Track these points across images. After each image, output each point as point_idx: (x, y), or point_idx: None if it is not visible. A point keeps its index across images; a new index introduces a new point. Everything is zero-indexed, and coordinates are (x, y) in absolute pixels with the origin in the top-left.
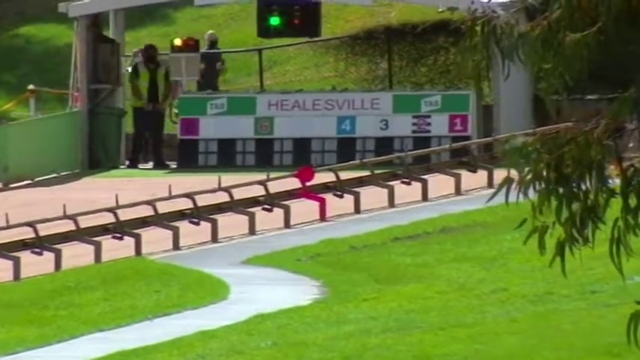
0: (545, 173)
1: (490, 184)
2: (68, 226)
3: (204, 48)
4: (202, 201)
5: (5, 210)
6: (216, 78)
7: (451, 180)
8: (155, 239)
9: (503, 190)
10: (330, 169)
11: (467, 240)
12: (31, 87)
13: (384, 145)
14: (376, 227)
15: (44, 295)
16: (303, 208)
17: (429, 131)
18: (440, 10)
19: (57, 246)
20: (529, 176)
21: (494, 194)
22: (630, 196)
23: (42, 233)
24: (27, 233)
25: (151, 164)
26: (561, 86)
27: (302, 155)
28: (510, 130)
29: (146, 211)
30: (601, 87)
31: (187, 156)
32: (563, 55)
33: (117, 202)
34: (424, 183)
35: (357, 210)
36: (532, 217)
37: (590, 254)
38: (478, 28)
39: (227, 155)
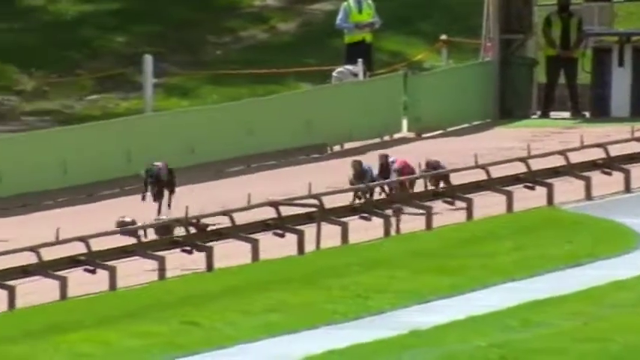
0: None
1: None
2: (480, 175)
3: None
4: (615, 151)
5: (418, 160)
6: None
7: None
8: (567, 189)
9: None
10: None
11: None
12: (443, 37)
13: None
14: None
15: (454, 245)
16: None
17: None
18: None
19: (468, 195)
20: None
21: None
22: None
23: (455, 183)
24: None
25: (564, 114)
26: None
27: None
28: None
29: (558, 161)
30: None
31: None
32: None
33: (529, 152)
34: None
35: None
36: None
37: None
38: None
39: None
